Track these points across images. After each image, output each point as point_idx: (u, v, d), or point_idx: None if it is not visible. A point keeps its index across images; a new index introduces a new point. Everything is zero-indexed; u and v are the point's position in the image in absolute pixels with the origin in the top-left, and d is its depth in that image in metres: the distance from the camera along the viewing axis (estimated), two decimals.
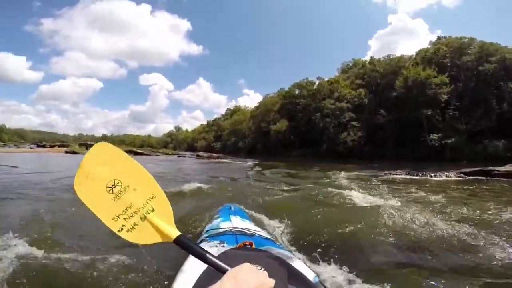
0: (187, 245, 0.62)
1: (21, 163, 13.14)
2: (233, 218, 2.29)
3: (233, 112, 60.45)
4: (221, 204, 3.19)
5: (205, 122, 78.20)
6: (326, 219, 3.63)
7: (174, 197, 4.99)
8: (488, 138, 20.50)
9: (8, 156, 19.43)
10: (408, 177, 10.42)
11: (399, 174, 10.83)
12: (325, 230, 3.14)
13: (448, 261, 2.50)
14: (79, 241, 2.87)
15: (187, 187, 6.24)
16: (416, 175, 10.59)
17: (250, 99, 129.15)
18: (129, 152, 37.35)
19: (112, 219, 0.68)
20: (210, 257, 0.58)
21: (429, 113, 23.35)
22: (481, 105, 22.13)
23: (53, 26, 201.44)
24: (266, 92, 64.19)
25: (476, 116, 21.99)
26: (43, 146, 45.49)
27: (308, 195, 5.77)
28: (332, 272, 2.08)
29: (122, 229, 0.67)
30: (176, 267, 1.39)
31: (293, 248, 2.65)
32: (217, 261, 0.57)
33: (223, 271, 0.52)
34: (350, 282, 1.97)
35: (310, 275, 1.28)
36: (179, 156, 34.69)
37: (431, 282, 2.04)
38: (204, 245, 1.61)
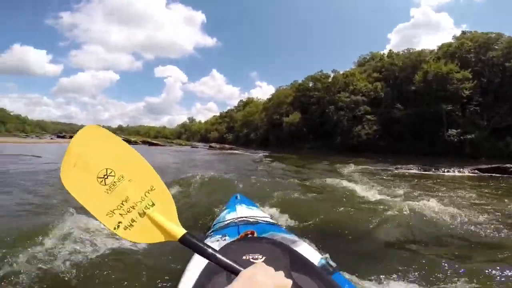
0: (194, 245, 0.56)
1: (44, 153, 13.66)
2: (238, 207, 2.33)
3: (246, 103, 60.56)
4: (230, 196, 3.24)
5: (218, 114, 79.03)
6: (330, 212, 3.66)
7: (182, 188, 4.92)
8: None
9: (32, 147, 20.34)
10: (420, 172, 10.21)
11: (411, 169, 10.62)
12: (324, 219, 3.25)
13: (448, 253, 2.55)
14: (83, 235, 2.56)
15: (197, 178, 6.14)
16: (429, 170, 10.36)
17: (263, 91, 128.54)
18: (144, 142, 38.48)
19: (107, 214, 0.60)
20: (221, 257, 0.52)
21: (449, 108, 22.63)
22: (507, 101, 21.27)
23: (72, 19, 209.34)
24: (278, 85, 63.97)
25: (502, 112, 21.19)
26: (63, 137, 46.94)
27: (314, 187, 5.85)
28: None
29: (118, 226, 0.60)
30: (183, 265, 1.39)
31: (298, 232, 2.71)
32: (230, 262, 0.51)
33: (236, 272, 0.48)
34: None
35: (315, 257, 1.30)
36: (192, 147, 35.28)
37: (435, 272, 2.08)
38: (208, 241, 1.61)
